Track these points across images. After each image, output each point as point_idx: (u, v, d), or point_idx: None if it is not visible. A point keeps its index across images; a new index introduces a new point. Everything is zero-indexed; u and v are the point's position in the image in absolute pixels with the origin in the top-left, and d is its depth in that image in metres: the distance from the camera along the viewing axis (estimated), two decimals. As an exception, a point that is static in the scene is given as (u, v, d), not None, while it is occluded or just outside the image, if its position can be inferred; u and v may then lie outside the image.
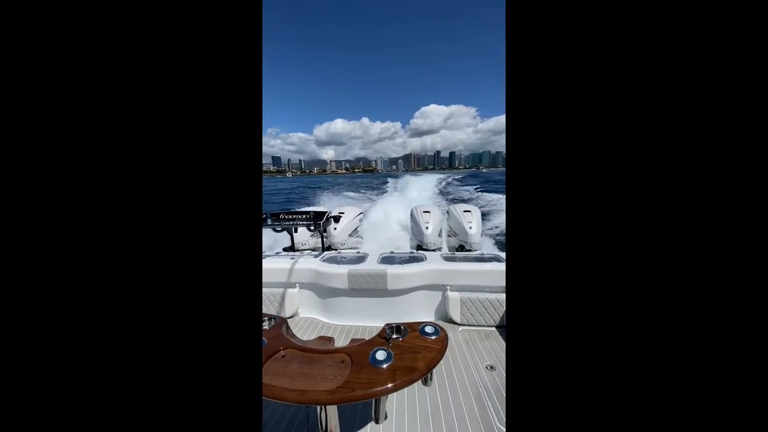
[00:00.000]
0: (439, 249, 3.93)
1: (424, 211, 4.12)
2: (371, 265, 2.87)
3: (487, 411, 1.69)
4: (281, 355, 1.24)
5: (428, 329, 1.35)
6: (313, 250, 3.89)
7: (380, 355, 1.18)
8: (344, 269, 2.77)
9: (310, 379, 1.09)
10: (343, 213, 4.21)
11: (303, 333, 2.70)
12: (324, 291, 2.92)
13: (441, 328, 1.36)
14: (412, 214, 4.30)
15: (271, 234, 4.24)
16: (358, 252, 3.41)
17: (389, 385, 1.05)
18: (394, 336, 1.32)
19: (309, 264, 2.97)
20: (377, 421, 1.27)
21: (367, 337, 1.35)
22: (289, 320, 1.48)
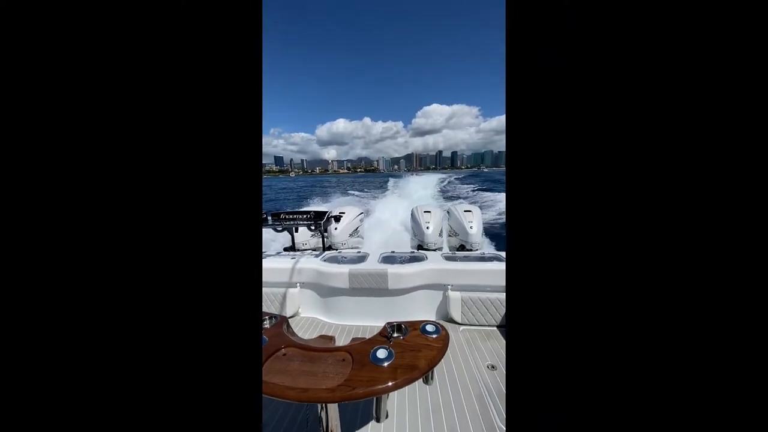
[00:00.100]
0: (440, 249, 3.93)
1: (424, 211, 4.12)
2: (372, 264, 2.87)
3: (489, 410, 1.69)
4: (282, 353, 1.25)
5: (429, 328, 1.35)
6: (314, 249, 3.90)
7: (381, 353, 1.18)
8: (345, 269, 2.78)
9: (311, 377, 1.09)
10: (343, 213, 4.21)
11: (304, 332, 2.71)
12: (325, 290, 2.92)
13: (442, 326, 1.36)
14: (412, 214, 4.30)
15: (268, 233, 4.25)
16: (359, 252, 3.41)
17: (390, 384, 1.05)
18: (395, 334, 1.32)
19: (310, 264, 2.98)
20: (378, 420, 1.28)
21: (367, 337, 1.36)
22: (290, 320, 1.49)
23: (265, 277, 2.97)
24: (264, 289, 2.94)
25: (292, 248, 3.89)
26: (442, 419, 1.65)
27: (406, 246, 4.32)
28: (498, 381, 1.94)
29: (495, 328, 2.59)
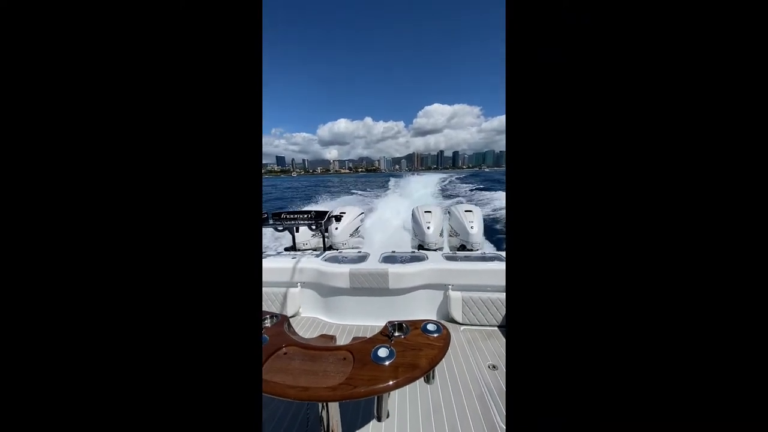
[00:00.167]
0: (441, 249, 3.93)
1: (425, 211, 4.12)
2: (373, 264, 2.88)
3: (490, 410, 1.70)
4: (283, 352, 1.25)
5: (430, 327, 1.35)
6: (315, 249, 3.90)
7: (382, 352, 1.18)
8: (346, 268, 2.78)
9: (312, 376, 1.09)
10: (344, 213, 4.22)
11: (305, 332, 2.71)
12: (325, 290, 2.93)
13: (443, 325, 1.36)
14: (413, 214, 4.30)
15: (273, 234, 4.27)
16: (360, 251, 3.41)
17: (391, 382, 1.05)
18: (396, 333, 1.32)
19: (311, 263, 2.98)
20: (379, 419, 1.28)
21: (368, 337, 1.36)
22: (290, 319, 1.49)
23: (266, 277, 2.97)
24: (265, 289, 2.95)
25: (293, 248, 3.90)
26: (443, 419, 1.65)
27: (406, 245, 4.32)
28: (499, 381, 1.94)
29: (496, 328, 2.59)
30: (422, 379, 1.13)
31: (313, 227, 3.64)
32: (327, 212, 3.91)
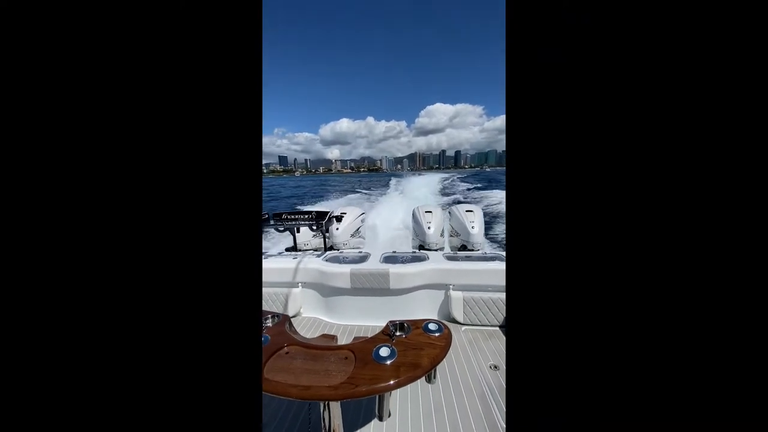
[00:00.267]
0: (442, 249, 3.93)
1: (426, 211, 4.11)
2: (374, 264, 2.88)
3: (491, 409, 1.70)
4: (285, 351, 1.26)
5: (432, 326, 1.35)
6: (316, 250, 3.91)
7: (384, 351, 1.18)
8: (347, 269, 2.78)
9: (313, 375, 1.10)
10: (345, 213, 4.22)
11: (306, 332, 2.72)
12: (326, 290, 2.93)
13: (444, 325, 1.36)
14: (414, 214, 4.29)
15: (276, 235, 4.29)
16: (361, 251, 3.41)
17: (393, 382, 1.05)
18: (398, 333, 1.32)
19: (311, 263, 2.99)
20: (381, 419, 1.28)
21: (369, 337, 1.36)
22: (291, 319, 1.50)
23: (267, 277, 2.98)
24: (266, 289, 2.95)
25: (293, 248, 3.90)
26: (445, 418, 1.65)
27: (407, 245, 4.32)
28: (500, 381, 1.94)
29: (497, 328, 2.59)
30: (423, 378, 1.14)
31: (314, 228, 3.64)
32: (328, 213, 3.91)
